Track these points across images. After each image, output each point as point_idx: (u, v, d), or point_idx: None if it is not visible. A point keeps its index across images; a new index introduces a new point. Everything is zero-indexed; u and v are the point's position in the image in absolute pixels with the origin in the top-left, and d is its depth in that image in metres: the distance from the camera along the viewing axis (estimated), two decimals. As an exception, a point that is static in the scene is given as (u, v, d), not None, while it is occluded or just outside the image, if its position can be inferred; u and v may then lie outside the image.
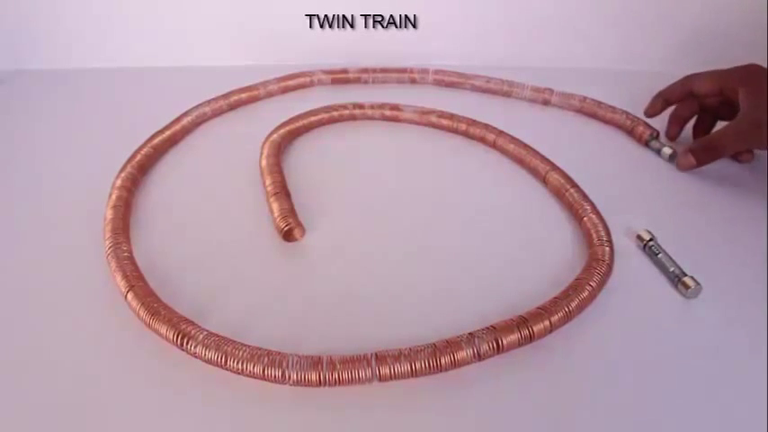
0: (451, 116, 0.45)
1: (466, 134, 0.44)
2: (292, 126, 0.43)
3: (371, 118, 0.46)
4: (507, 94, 0.50)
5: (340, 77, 0.52)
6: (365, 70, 0.52)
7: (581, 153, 0.43)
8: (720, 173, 0.40)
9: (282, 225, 0.33)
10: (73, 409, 0.24)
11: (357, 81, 0.52)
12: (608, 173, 0.41)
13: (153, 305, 0.27)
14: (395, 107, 0.46)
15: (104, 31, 0.53)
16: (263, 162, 0.39)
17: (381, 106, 0.46)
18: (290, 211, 0.34)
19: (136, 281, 0.29)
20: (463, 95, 0.51)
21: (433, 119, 0.45)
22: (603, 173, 0.41)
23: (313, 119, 0.45)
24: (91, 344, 0.27)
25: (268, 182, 0.37)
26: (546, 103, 0.49)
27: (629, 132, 0.46)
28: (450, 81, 0.52)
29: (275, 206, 0.34)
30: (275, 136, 0.42)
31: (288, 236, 0.33)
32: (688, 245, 0.34)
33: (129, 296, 0.28)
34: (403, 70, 0.52)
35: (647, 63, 0.55)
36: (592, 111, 0.48)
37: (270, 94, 0.49)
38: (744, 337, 0.28)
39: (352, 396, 0.25)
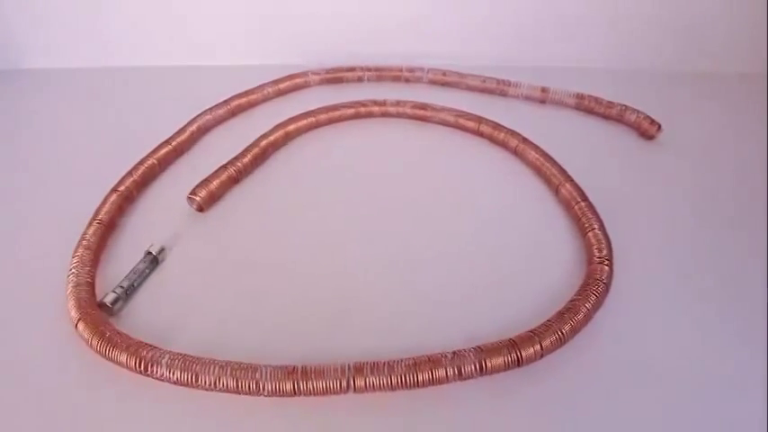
0: (479, 119, 0.44)
1: (490, 138, 0.43)
2: (312, 119, 0.44)
3: (392, 116, 0.46)
4: (503, 93, 0.49)
5: (336, 77, 0.51)
6: (361, 69, 0.51)
7: (580, 151, 0.41)
8: (723, 172, 0.40)
9: (191, 193, 0.35)
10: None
11: (353, 80, 0.51)
12: (609, 171, 0.40)
13: (106, 334, 0.26)
14: (418, 106, 0.45)
15: (104, 30, 0.53)
16: (262, 141, 0.40)
17: (403, 104, 0.46)
18: (209, 191, 0.35)
19: (89, 308, 0.27)
20: (459, 95, 0.50)
21: (461, 120, 0.44)
22: (604, 171, 0.39)
23: (333, 114, 0.45)
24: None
25: (238, 156, 0.38)
26: (542, 101, 0.48)
27: (633, 126, 0.45)
28: (445, 80, 0.51)
29: (211, 176, 0.36)
30: (292, 127, 0.43)
31: (191, 201, 0.35)
32: (690, 246, 0.33)
33: (80, 325, 0.26)
34: (399, 69, 0.51)
35: (644, 62, 0.54)
36: (589, 107, 0.47)
37: (267, 97, 0.48)
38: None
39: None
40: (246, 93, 0.47)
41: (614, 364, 0.27)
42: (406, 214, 0.36)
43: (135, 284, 0.30)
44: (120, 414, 0.24)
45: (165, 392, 0.25)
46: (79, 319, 0.27)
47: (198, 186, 0.36)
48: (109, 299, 0.28)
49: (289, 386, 0.24)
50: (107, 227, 0.33)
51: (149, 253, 0.31)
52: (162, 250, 0.32)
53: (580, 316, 0.27)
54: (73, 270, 0.29)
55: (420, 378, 0.24)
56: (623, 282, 0.30)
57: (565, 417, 0.24)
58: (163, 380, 0.24)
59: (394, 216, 0.36)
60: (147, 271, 0.31)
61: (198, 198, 0.35)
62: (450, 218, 0.36)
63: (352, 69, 0.51)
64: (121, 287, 0.29)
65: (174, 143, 0.41)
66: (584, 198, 0.35)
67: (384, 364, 0.24)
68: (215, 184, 0.36)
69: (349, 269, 0.32)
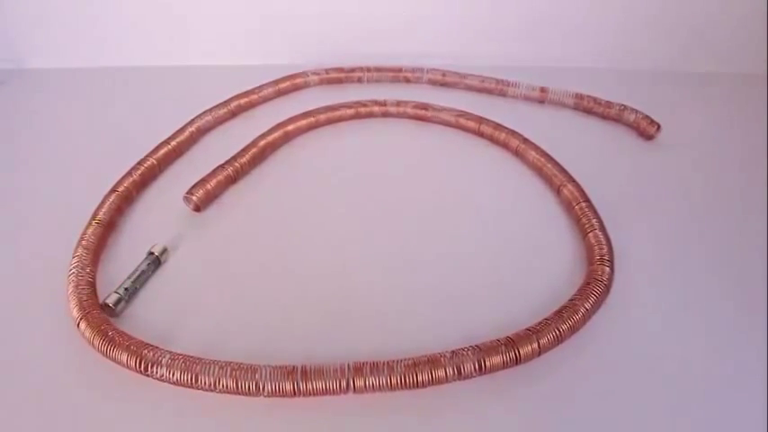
0: (480, 119, 0.44)
1: (491, 138, 0.43)
2: (312, 119, 0.44)
3: (393, 116, 0.46)
4: (502, 93, 0.49)
5: (335, 77, 0.51)
6: (360, 69, 0.51)
7: (580, 151, 0.41)
8: (723, 172, 0.40)
9: (187, 192, 0.35)
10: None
11: (353, 80, 0.51)
12: (608, 171, 0.40)
13: (108, 333, 0.26)
14: (420, 106, 0.45)
15: (104, 30, 0.53)
16: (260, 141, 0.40)
17: (404, 104, 0.45)
18: (206, 190, 0.35)
19: (90, 308, 0.27)
20: (458, 95, 0.50)
21: (462, 121, 0.44)
22: (603, 171, 0.39)
23: (333, 114, 0.45)
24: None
25: (236, 156, 0.38)
26: (541, 101, 0.48)
27: (632, 126, 0.45)
28: (444, 80, 0.51)
29: (208, 176, 0.36)
30: (291, 126, 0.42)
31: (188, 200, 0.35)
32: (690, 246, 0.33)
33: (82, 325, 0.26)
34: (398, 69, 0.51)
35: (644, 62, 0.54)
36: (588, 107, 0.47)
37: (267, 98, 0.48)
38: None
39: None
40: (246, 93, 0.47)
41: (614, 363, 0.27)
42: (406, 214, 0.36)
43: (137, 285, 0.30)
44: (120, 414, 0.24)
45: (165, 392, 0.25)
46: (81, 319, 0.27)
47: (195, 186, 0.36)
48: (111, 300, 0.28)
49: (288, 387, 0.24)
50: (106, 227, 0.33)
51: (151, 253, 0.31)
52: (164, 251, 0.32)
53: (579, 315, 0.27)
54: (73, 270, 0.29)
55: (420, 378, 0.24)
56: (623, 282, 0.30)
57: (564, 416, 0.24)
58: (163, 380, 0.24)
59: (394, 216, 0.36)
60: (150, 271, 0.31)
61: (194, 197, 0.35)
62: (451, 218, 0.36)
63: (351, 69, 0.51)
64: (125, 288, 0.29)
65: (173, 143, 0.40)
66: (585, 198, 0.35)
67: (384, 364, 0.24)
68: (212, 183, 0.36)
69: (349, 269, 0.32)
